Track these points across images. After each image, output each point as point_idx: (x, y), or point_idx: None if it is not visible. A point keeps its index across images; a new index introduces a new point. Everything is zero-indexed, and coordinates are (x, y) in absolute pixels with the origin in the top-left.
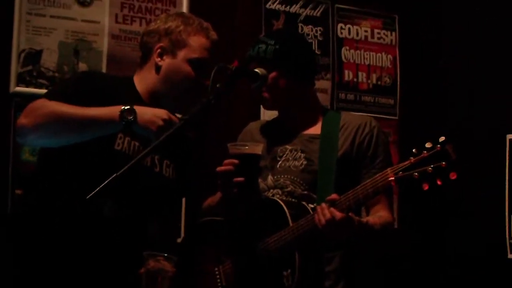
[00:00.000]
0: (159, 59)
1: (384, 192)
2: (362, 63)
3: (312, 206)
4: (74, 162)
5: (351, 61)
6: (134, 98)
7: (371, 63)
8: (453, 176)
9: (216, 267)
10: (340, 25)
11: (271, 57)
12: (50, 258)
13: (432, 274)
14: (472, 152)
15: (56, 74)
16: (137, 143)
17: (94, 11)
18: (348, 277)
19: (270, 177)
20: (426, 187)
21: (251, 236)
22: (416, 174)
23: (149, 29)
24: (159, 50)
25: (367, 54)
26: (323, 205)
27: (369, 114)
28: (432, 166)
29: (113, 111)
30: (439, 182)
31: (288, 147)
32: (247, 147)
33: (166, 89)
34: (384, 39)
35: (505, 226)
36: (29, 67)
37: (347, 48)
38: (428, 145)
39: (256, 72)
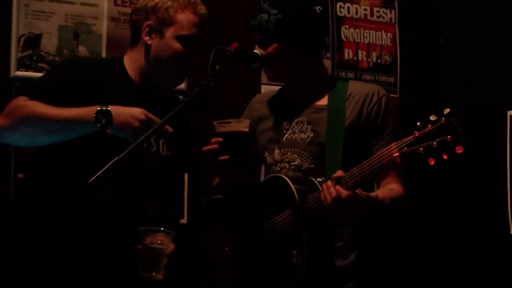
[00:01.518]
0: (147, 37)
1: (391, 167)
2: (362, 41)
3: (319, 179)
4: (69, 146)
5: (351, 39)
6: (124, 79)
7: (371, 41)
8: (459, 149)
9: (227, 246)
10: (339, 3)
11: (272, 27)
12: (51, 246)
13: (432, 253)
14: (472, 129)
15: (56, 58)
16: None
17: None
18: (359, 252)
19: (277, 151)
20: (432, 162)
21: (259, 215)
22: (421, 149)
23: (137, 7)
24: (147, 29)
25: (366, 33)
26: (329, 182)
27: None
28: (437, 140)
29: (88, 113)
30: (445, 157)
31: (295, 119)
32: (231, 125)
33: (156, 67)
34: (383, 17)
35: (507, 203)
36: (29, 52)
37: (347, 26)
38: (432, 117)
39: (256, 53)
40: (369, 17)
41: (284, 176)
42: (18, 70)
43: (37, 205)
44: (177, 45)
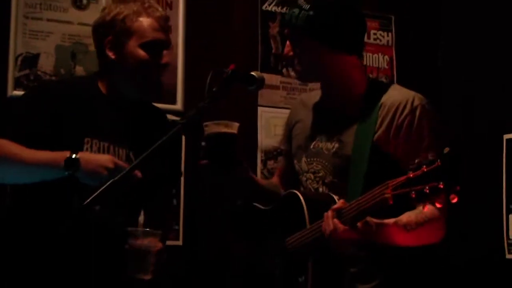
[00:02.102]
0: (111, 53)
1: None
2: None
3: (336, 198)
4: None
5: None
6: (97, 97)
7: (368, 63)
8: (453, 198)
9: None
10: None
11: (301, 23)
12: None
13: (433, 276)
14: (469, 153)
15: (53, 78)
16: (106, 144)
17: (90, 14)
18: (385, 277)
19: (304, 159)
20: (425, 208)
21: (275, 232)
22: (413, 194)
23: (95, 24)
24: (108, 45)
25: (363, 55)
26: (329, 213)
27: None
28: (429, 185)
29: (58, 159)
30: (438, 205)
31: (324, 126)
32: (207, 128)
33: (126, 80)
34: (380, 40)
35: (503, 227)
36: (26, 71)
37: None
38: (431, 156)
39: (253, 75)
40: (366, 40)
41: (300, 195)
42: (15, 89)
43: (21, 216)
44: (141, 53)
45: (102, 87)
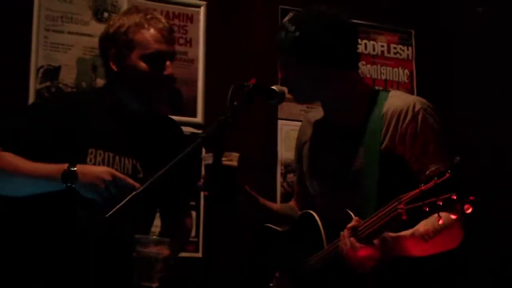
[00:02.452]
0: (114, 65)
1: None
2: (379, 77)
3: (353, 214)
4: None
5: (368, 75)
6: (102, 108)
7: (388, 77)
8: (468, 209)
9: (271, 282)
10: None
11: (289, 46)
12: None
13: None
14: (486, 165)
15: (74, 90)
16: (111, 154)
17: None
18: None
19: (315, 180)
20: (440, 221)
21: (296, 255)
22: (426, 207)
23: (100, 37)
24: (112, 57)
25: (383, 69)
26: (345, 232)
27: None
28: (441, 198)
29: (56, 172)
30: (453, 217)
31: (330, 143)
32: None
33: (127, 91)
34: (400, 54)
35: None
36: (47, 83)
37: (364, 63)
38: (442, 167)
39: (273, 89)
40: (386, 54)
41: (315, 215)
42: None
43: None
44: (142, 66)
45: (108, 98)
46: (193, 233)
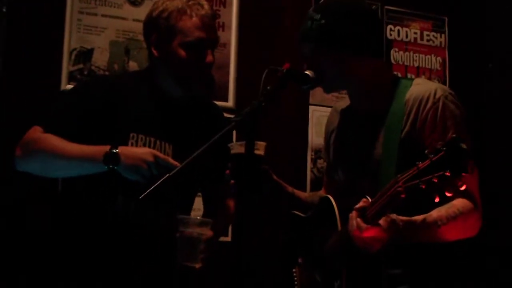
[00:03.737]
0: (156, 51)
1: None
2: (411, 64)
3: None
4: None
5: (400, 62)
6: (143, 92)
7: (420, 65)
8: (462, 186)
9: (294, 268)
10: (389, 26)
11: (316, 34)
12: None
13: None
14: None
15: (107, 73)
16: (152, 138)
17: (145, 11)
18: (416, 279)
19: (340, 167)
20: (436, 198)
21: (315, 239)
22: (423, 185)
23: (144, 22)
24: (154, 43)
25: (416, 56)
26: (353, 213)
27: None
28: (436, 175)
29: (98, 153)
30: (448, 194)
31: (354, 131)
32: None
33: (168, 77)
34: (433, 41)
35: None
36: (80, 66)
37: (396, 49)
38: (439, 145)
39: (307, 74)
40: (419, 41)
41: (331, 199)
42: (69, 83)
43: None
44: (182, 53)
45: (149, 82)
46: None
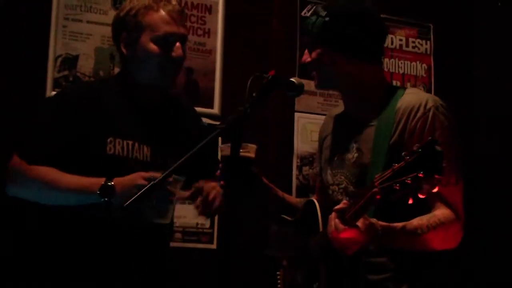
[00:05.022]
0: (125, 50)
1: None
2: (397, 71)
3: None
4: (68, 171)
5: (386, 69)
6: (117, 96)
7: (406, 71)
8: (433, 188)
9: (278, 270)
10: None
11: (317, 30)
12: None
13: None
14: (505, 161)
15: (92, 79)
16: (130, 142)
17: None
18: (410, 285)
19: (329, 171)
20: (410, 200)
21: (299, 242)
22: (397, 185)
23: (112, 23)
24: (123, 42)
25: (401, 63)
26: (332, 214)
27: None
28: (410, 176)
29: (92, 187)
30: (421, 196)
31: (345, 137)
32: (222, 151)
33: (142, 74)
34: (418, 48)
35: None
36: (65, 72)
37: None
38: (415, 147)
39: (292, 81)
40: (404, 48)
41: (315, 201)
42: (54, 90)
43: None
44: (152, 47)
45: (123, 85)
46: (207, 225)
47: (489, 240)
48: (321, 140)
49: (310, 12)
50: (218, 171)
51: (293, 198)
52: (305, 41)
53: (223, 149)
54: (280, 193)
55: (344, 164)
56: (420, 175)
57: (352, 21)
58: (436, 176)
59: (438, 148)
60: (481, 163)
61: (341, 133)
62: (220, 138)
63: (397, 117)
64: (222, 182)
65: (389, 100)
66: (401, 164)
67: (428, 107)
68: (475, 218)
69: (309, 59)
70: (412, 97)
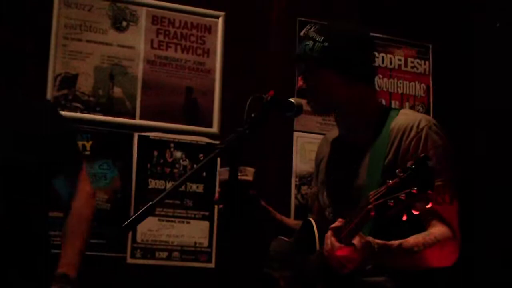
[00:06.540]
0: None
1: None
2: (395, 91)
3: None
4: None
5: (384, 89)
6: None
7: (404, 91)
8: (428, 204)
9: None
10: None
11: (318, 55)
12: None
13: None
14: (502, 177)
15: (91, 99)
16: None
17: (129, 37)
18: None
19: (325, 193)
20: (404, 217)
21: (296, 262)
22: (391, 201)
23: None
24: None
25: (400, 83)
26: (329, 233)
27: None
28: (404, 192)
29: None
30: (415, 212)
31: (341, 159)
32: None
33: None
34: (417, 68)
35: None
36: (65, 91)
37: (380, 76)
38: (409, 164)
39: (291, 102)
40: (403, 68)
41: (312, 221)
42: None
43: None
44: None
45: None
46: (206, 243)
47: (489, 245)
48: (318, 162)
49: (303, 36)
50: (217, 195)
51: (291, 220)
52: (303, 67)
53: (221, 173)
54: (278, 215)
55: (340, 187)
56: (414, 191)
57: (350, 44)
58: (429, 192)
59: (430, 163)
60: (481, 167)
61: (337, 156)
62: (218, 159)
63: (391, 137)
64: (221, 206)
65: (383, 121)
66: (395, 181)
67: (421, 126)
68: (475, 218)
69: (305, 85)
70: (405, 118)
